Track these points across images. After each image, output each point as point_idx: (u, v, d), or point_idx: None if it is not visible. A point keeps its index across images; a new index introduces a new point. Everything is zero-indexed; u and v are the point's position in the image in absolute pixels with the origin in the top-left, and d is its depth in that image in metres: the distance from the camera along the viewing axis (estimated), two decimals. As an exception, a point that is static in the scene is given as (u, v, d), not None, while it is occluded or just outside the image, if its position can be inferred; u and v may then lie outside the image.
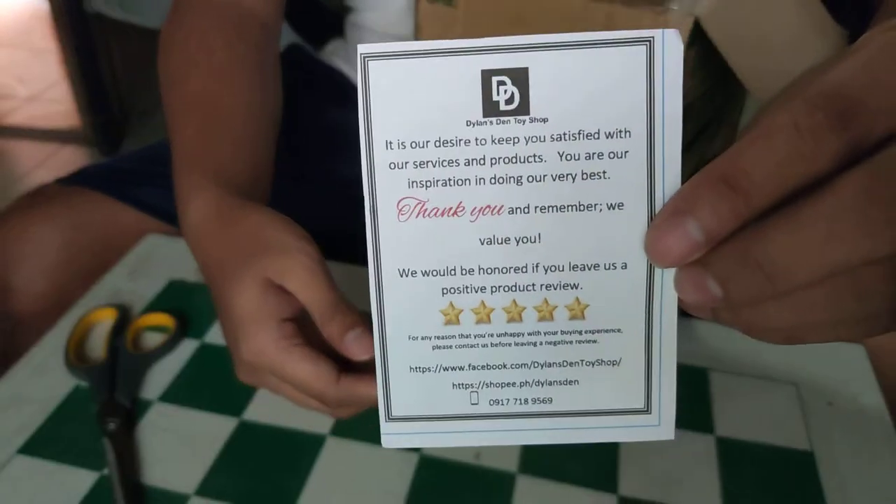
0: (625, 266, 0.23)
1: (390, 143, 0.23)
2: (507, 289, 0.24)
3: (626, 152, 0.23)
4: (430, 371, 0.25)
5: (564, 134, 0.23)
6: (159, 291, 0.52)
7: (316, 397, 0.35)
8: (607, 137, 0.23)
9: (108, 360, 0.46)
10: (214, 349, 0.48)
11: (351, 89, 0.71)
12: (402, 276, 0.24)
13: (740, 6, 0.46)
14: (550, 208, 0.23)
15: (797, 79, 0.22)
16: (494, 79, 0.23)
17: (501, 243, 0.24)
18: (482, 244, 0.24)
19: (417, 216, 0.24)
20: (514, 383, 0.25)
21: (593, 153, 0.23)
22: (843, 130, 0.18)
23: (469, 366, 0.25)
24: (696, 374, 0.46)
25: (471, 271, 0.24)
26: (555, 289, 0.24)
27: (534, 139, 0.23)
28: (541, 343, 0.25)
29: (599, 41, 0.22)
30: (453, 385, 0.25)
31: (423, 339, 0.25)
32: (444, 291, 0.24)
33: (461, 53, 0.23)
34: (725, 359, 0.47)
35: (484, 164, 0.23)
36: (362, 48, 0.23)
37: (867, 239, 0.18)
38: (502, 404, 0.25)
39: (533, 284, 0.24)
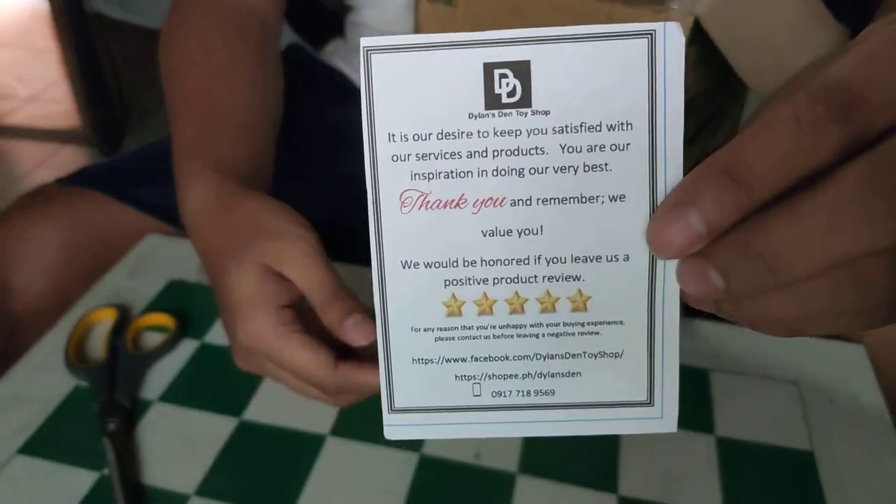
0: (627, 258, 0.23)
1: (393, 135, 0.23)
2: (509, 280, 0.24)
3: (627, 144, 0.23)
4: (432, 363, 0.25)
5: (566, 126, 0.23)
6: (159, 291, 0.52)
7: (314, 384, 0.35)
8: (609, 130, 0.23)
9: (108, 360, 0.46)
10: (214, 349, 0.48)
11: (351, 89, 0.71)
12: (404, 267, 0.24)
13: (740, 5, 0.46)
14: (552, 200, 0.23)
15: (799, 73, 0.22)
16: (496, 71, 0.23)
17: (503, 235, 0.24)
18: (484, 236, 0.24)
19: (420, 208, 0.24)
20: (516, 375, 0.25)
21: (595, 145, 0.23)
22: (844, 123, 0.18)
23: (471, 357, 0.25)
24: (697, 374, 0.46)
25: (473, 263, 0.24)
26: (557, 280, 0.24)
27: (536, 131, 0.23)
28: (543, 335, 0.25)
29: (601, 34, 0.22)
30: (456, 377, 0.25)
31: (425, 330, 0.25)
32: (447, 283, 0.24)
33: (463, 46, 0.23)
34: (725, 359, 0.47)
35: (486, 156, 0.23)
36: (365, 41, 0.23)
37: (868, 230, 0.18)
38: (505, 396, 0.25)
39: (535, 276, 0.24)
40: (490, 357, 0.25)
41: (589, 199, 0.23)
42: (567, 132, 0.23)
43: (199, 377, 0.46)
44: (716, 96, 0.57)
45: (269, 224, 0.36)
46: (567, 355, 0.25)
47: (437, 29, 0.51)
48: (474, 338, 0.25)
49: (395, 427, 0.26)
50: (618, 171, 0.23)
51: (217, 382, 0.45)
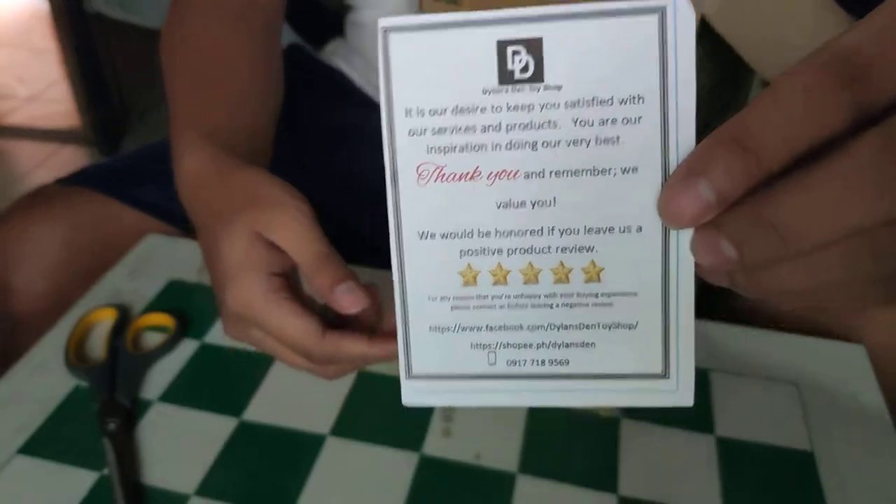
0: (640, 229, 0.24)
1: (409, 111, 0.24)
2: (523, 251, 0.25)
3: (639, 118, 0.23)
4: (449, 331, 0.26)
5: (578, 101, 0.23)
6: (159, 291, 0.52)
7: (301, 352, 0.35)
8: (621, 104, 0.23)
9: (108, 360, 0.46)
10: (214, 349, 0.48)
11: (351, 89, 0.71)
12: (421, 238, 0.25)
13: (747, 0, 0.46)
14: (565, 173, 0.24)
15: (813, 51, 0.22)
16: (510, 48, 0.23)
17: (517, 207, 0.24)
18: (498, 208, 0.24)
19: (436, 181, 0.25)
20: (531, 344, 0.25)
21: (607, 119, 0.23)
22: (852, 91, 0.18)
23: (487, 326, 0.26)
24: (697, 374, 0.46)
25: (487, 234, 0.25)
26: (570, 252, 0.24)
27: (548, 106, 0.23)
28: (557, 305, 0.25)
29: (612, 10, 0.23)
30: (472, 345, 0.26)
31: (441, 299, 0.26)
32: (462, 253, 0.25)
33: (477, 25, 0.23)
34: (725, 359, 0.47)
35: (500, 130, 0.24)
36: (383, 21, 0.24)
37: (882, 200, 0.18)
38: (519, 365, 0.26)
39: (549, 247, 0.24)
40: (505, 326, 0.26)
41: (601, 172, 0.24)
42: (579, 106, 0.23)
43: (199, 377, 0.46)
44: (722, 94, 0.57)
45: (262, 193, 0.36)
46: (581, 326, 0.25)
47: None
48: (489, 307, 0.25)
49: (412, 393, 0.27)
50: (630, 144, 0.23)
51: (217, 382, 0.45)
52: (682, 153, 0.23)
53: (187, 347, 0.48)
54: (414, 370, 0.26)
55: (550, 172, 0.24)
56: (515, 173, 0.24)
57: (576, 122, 0.23)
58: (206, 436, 0.42)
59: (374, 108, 0.69)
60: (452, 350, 0.26)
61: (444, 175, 0.24)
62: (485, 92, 0.24)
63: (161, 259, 0.55)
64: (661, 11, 0.22)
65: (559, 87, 0.23)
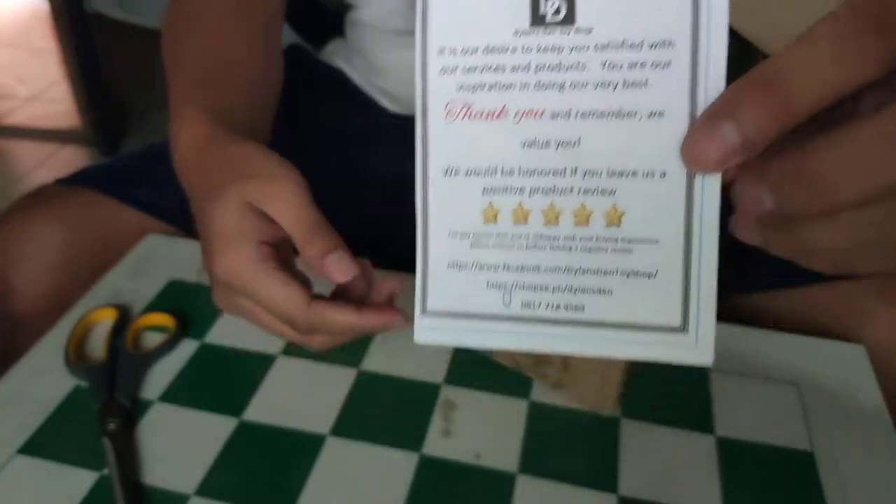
0: (663, 175, 0.23)
1: (443, 49, 0.25)
2: (545, 191, 0.25)
3: (669, 62, 0.23)
4: (466, 268, 0.26)
5: (608, 44, 0.23)
6: (159, 291, 0.52)
7: (287, 321, 0.35)
8: (651, 48, 0.23)
9: (108, 360, 0.46)
10: (214, 349, 0.48)
11: (351, 89, 0.71)
12: (446, 174, 0.26)
13: None
14: (591, 115, 0.24)
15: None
16: None
17: (542, 147, 0.25)
18: (523, 147, 0.25)
19: (464, 118, 0.25)
20: (546, 287, 0.25)
21: (636, 63, 0.23)
22: (883, 36, 0.18)
23: (504, 266, 0.26)
24: (697, 374, 0.46)
25: (511, 172, 0.25)
26: (592, 194, 0.24)
27: (578, 49, 0.24)
28: (575, 248, 0.25)
29: None
30: (488, 284, 0.26)
31: (462, 236, 0.26)
32: (485, 191, 0.25)
33: None
34: (725, 359, 0.47)
35: (529, 71, 0.24)
36: None
37: None
38: (534, 308, 0.26)
39: (571, 188, 0.25)
40: (522, 267, 0.26)
41: (627, 115, 0.24)
42: (609, 50, 0.23)
43: (199, 377, 0.46)
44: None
45: (255, 165, 0.36)
46: (598, 271, 0.25)
47: None
48: (508, 247, 0.26)
49: (425, 330, 0.27)
50: (658, 89, 0.23)
51: (217, 382, 0.45)
52: (711, 99, 0.22)
53: (187, 347, 0.48)
54: (429, 306, 0.27)
55: (577, 114, 0.24)
56: (542, 113, 0.24)
57: (605, 65, 0.23)
58: (206, 436, 0.42)
59: (374, 107, 0.69)
60: (469, 288, 0.26)
61: (471, 113, 0.25)
62: (516, 33, 0.24)
63: (161, 259, 0.55)
64: None
65: (590, 30, 0.23)
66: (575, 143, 0.24)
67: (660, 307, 0.24)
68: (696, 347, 0.24)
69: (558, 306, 0.25)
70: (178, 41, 0.50)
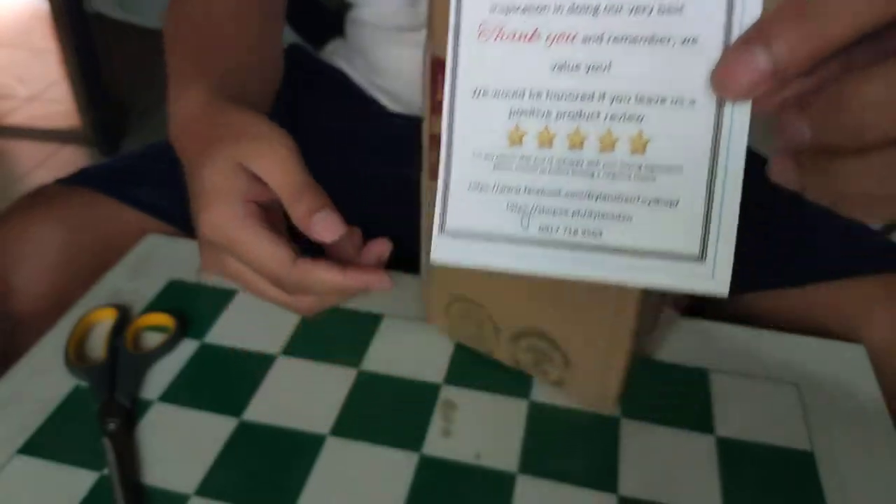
0: (692, 103, 0.23)
1: None
2: (572, 115, 0.25)
3: None
4: (487, 189, 0.26)
5: None
6: (159, 291, 0.52)
7: (273, 280, 0.35)
8: None
9: (108, 360, 0.46)
10: (214, 349, 0.48)
11: (352, 89, 0.71)
12: (474, 95, 0.26)
13: None
14: (624, 39, 0.24)
15: None
16: None
17: (572, 70, 0.24)
18: (553, 70, 0.25)
19: (496, 39, 0.25)
20: (566, 211, 0.25)
21: None
22: None
23: (525, 189, 0.26)
24: (696, 374, 0.46)
25: (539, 95, 0.25)
26: (619, 120, 0.24)
27: None
28: (598, 174, 0.25)
29: None
30: (508, 206, 0.26)
31: (486, 157, 0.26)
32: (512, 113, 0.25)
33: None
34: (725, 359, 0.47)
35: None
36: None
37: None
38: (551, 231, 0.26)
39: (598, 113, 0.24)
40: (543, 191, 0.25)
41: (660, 41, 0.23)
42: None
43: (199, 377, 0.46)
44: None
45: (249, 128, 0.36)
46: (620, 198, 0.25)
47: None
48: (531, 169, 0.25)
49: (442, 248, 0.27)
50: (693, 15, 0.23)
51: (217, 382, 0.45)
52: (746, 27, 0.22)
53: (187, 347, 0.48)
54: (448, 224, 0.27)
55: (609, 38, 0.24)
56: (574, 36, 0.24)
57: None
58: (206, 436, 0.42)
59: (374, 107, 0.69)
60: (488, 209, 0.26)
61: (503, 34, 0.25)
62: None
63: (161, 259, 0.55)
64: None
65: None
66: (605, 67, 0.24)
67: (679, 235, 0.24)
68: (713, 277, 0.24)
69: (576, 231, 0.25)
70: (179, 41, 0.50)
